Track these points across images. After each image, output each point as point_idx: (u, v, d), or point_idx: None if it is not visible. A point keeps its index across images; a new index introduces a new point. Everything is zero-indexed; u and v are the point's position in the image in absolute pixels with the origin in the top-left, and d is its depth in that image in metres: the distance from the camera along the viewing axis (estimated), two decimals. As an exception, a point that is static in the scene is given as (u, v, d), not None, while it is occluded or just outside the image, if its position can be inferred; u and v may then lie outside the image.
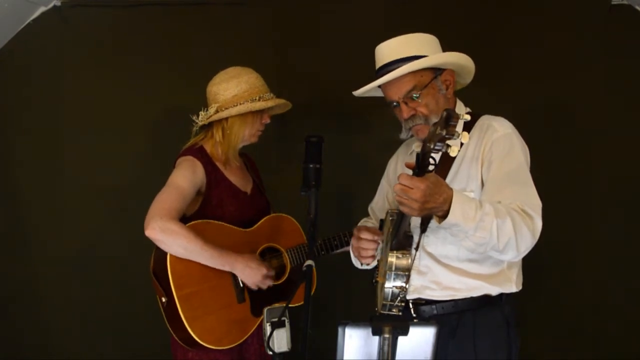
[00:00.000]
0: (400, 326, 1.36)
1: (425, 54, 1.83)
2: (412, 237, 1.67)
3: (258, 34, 2.84)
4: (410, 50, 1.84)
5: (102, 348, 2.90)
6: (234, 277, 2.12)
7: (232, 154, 2.20)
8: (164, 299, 2.05)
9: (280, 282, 2.22)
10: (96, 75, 2.84)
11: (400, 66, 1.81)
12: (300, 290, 1.79)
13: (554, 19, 2.77)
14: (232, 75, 2.17)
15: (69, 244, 2.88)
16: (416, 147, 1.98)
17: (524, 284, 1.90)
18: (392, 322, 1.36)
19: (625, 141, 2.76)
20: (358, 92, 1.98)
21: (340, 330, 1.37)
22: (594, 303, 2.81)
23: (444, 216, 1.58)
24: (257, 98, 2.15)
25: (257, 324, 2.15)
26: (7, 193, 2.89)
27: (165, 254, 2.02)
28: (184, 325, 1.99)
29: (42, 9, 2.83)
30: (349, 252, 2.10)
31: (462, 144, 1.77)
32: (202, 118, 2.18)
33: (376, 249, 1.91)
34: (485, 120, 1.87)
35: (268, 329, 1.87)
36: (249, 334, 2.14)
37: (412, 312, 1.89)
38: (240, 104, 2.14)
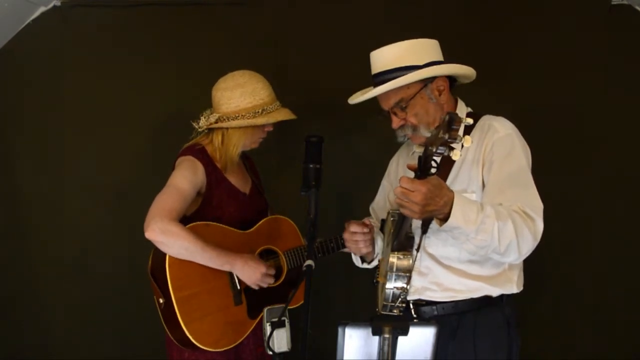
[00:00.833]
0: (400, 326, 1.36)
1: (419, 63, 1.80)
2: (413, 238, 1.68)
3: (258, 34, 2.83)
4: (402, 60, 1.81)
5: (102, 348, 2.90)
6: (231, 279, 2.11)
7: (230, 160, 2.17)
8: (161, 300, 2.04)
9: (277, 284, 2.21)
10: (96, 75, 2.83)
11: (390, 77, 1.80)
12: (299, 291, 1.79)
13: (554, 19, 2.77)
14: (238, 84, 2.11)
15: (69, 244, 2.88)
16: (417, 148, 1.98)
17: (524, 284, 1.90)
18: (392, 322, 1.37)
19: (625, 141, 2.76)
20: (352, 101, 1.99)
21: (340, 330, 1.37)
22: (594, 303, 2.81)
23: (445, 219, 1.57)
24: (260, 111, 2.10)
25: (253, 326, 2.14)
26: (7, 193, 2.89)
27: (164, 255, 2.02)
28: (181, 326, 1.99)
29: (42, 9, 2.82)
30: (349, 252, 2.11)
31: (462, 146, 1.76)
32: (202, 124, 2.14)
33: (367, 240, 1.95)
34: (486, 120, 1.87)
35: (268, 329, 1.87)
36: (245, 336, 2.13)
37: (413, 312, 1.90)
38: (242, 116, 2.09)
